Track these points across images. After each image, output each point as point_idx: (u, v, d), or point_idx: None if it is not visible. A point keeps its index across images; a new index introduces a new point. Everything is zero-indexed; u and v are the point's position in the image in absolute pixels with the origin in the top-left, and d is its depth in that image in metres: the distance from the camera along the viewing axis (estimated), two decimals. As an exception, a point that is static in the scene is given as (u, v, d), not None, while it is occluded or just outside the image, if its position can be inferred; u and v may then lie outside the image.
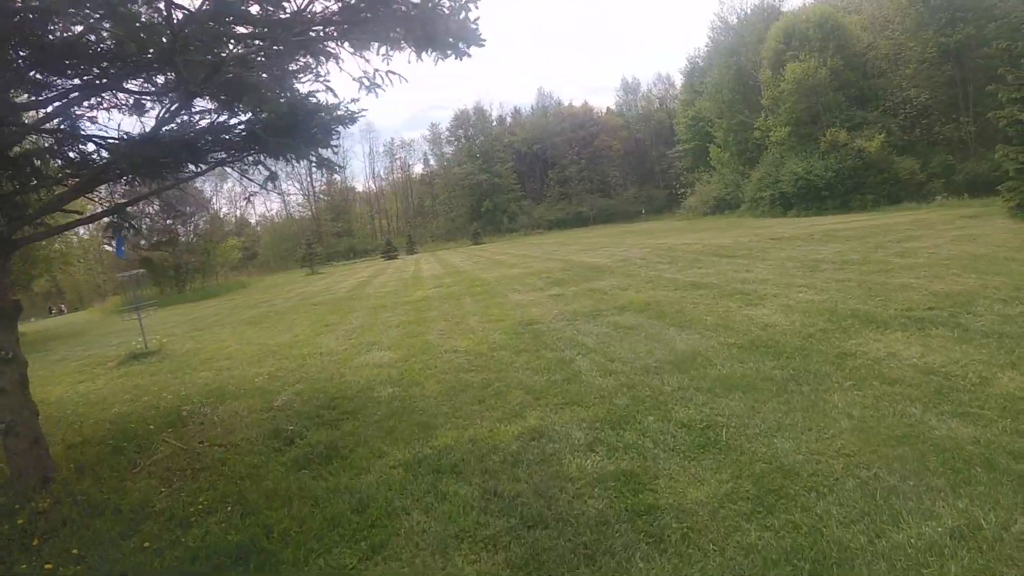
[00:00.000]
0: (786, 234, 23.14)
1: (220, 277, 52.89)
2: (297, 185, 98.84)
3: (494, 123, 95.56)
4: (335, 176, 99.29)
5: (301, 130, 6.87)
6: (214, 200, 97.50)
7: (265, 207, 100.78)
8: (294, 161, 7.60)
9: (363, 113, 7.23)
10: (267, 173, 7.42)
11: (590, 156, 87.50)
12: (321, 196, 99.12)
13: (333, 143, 7.61)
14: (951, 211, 25.94)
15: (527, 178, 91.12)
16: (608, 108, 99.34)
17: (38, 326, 41.64)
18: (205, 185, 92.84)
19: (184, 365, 12.23)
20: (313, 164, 7.87)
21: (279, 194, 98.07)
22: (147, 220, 44.17)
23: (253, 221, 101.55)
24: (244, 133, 6.89)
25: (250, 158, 7.66)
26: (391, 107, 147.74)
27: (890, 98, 40.91)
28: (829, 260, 14.32)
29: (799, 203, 40.04)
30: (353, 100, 7.18)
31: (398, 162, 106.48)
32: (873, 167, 37.43)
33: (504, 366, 8.07)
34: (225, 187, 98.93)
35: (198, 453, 6.56)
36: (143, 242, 43.98)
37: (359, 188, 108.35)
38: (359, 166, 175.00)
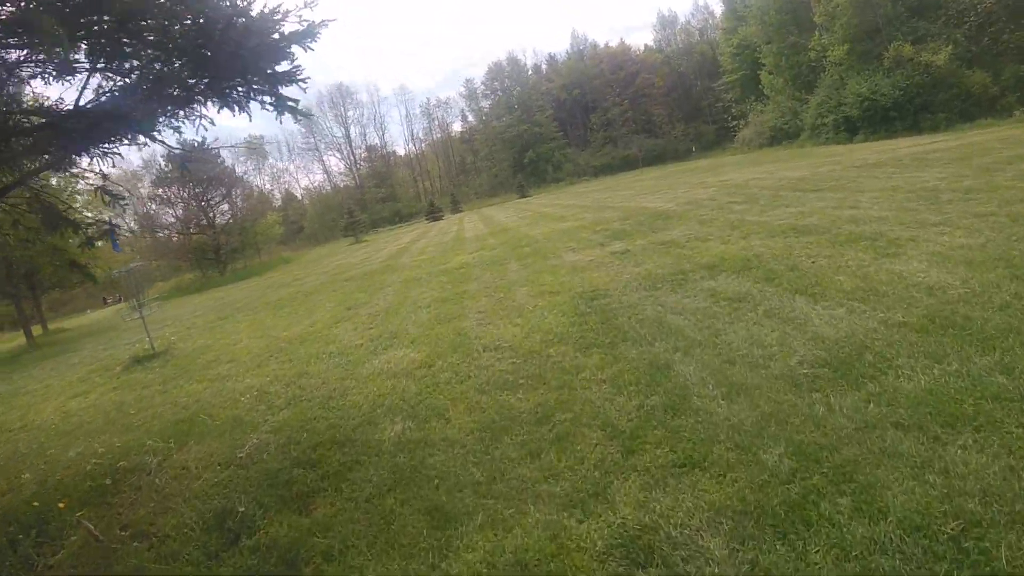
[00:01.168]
0: (869, 160, 20.21)
1: (264, 254, 51.63)
2: (338, 154, 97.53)
3: (529, 72, 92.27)
4: (375, 141, 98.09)
5: (238, 61, 4.61)
6: (255, 177, 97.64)
7: (309, 179, 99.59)
8: (245, 107, 5.40)
9: (325, 24, 4.86)
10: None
11: (632, 96, 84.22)
12: (362, 163, 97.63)
13: (297, 75, 5.25)
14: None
15: (569, 125, 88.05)
16: (646, 45, 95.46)
17: (86, 320, 41.41)
18: (238, 163, 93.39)
19: (181, 372, 10.53)
20: (271, 108, 5.51)
21: (320, 163, 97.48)
22: (180, 205, 42.97)
23: (299, 194, 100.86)
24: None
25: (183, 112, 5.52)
26: (423, 70, 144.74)
27: (953, 5, 36.84)
28: (946, 189, 11.40)
29: (865, 127, 36.88)
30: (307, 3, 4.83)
31: (436, 122, 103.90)
32: (942, 83, 34.09)
33: (567, 376, 5.47)
34: (267, 164, 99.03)
35: (114, 549, 4.33)
36: (176, 231, 42.94)
37: (400, 152, 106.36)
38: (397, 130, 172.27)
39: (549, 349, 6.38)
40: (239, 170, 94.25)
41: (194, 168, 41.63)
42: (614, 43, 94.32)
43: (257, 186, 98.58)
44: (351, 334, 9.98)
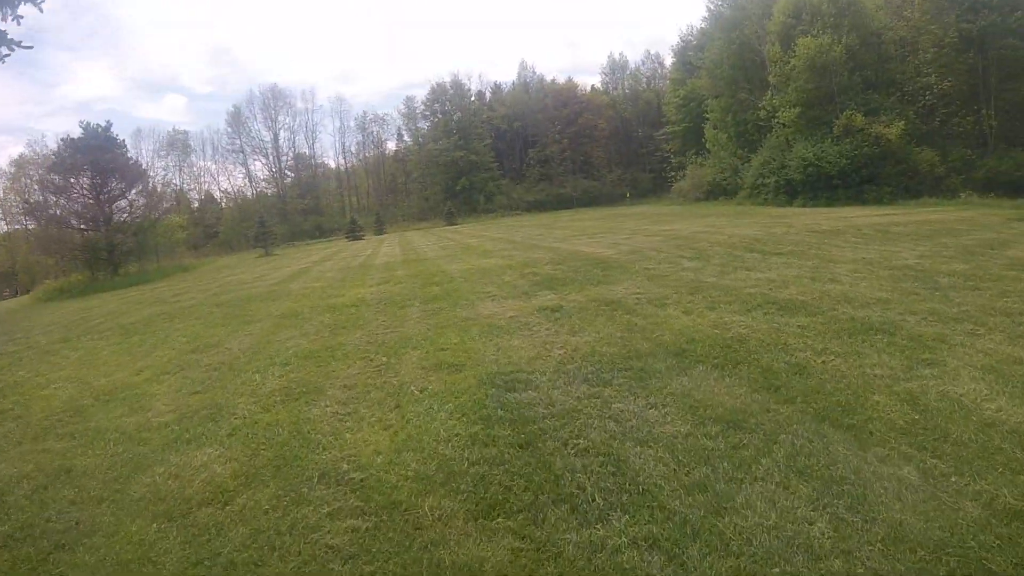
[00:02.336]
0: (823, 226, 18.69)
1: (164, 259, 47.23)
2: (263, 159, 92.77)
3: (473, 98, 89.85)
4: (305, 150, 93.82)
5: None
6: (173, 175, 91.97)
7: (230, 183, 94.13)
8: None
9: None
10: None
11: (573, 135, 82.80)
12: (288, 172, 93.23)
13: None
14: (989, 210, 21.99)
15: (506, 157, 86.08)
16: (593, 86, 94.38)
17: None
18: (144, 154, 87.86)
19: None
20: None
21: (243, 166, 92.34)
22: (74, 196, 38.58)
23: (217, 195, 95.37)
24: None
25: None
26: (365, 85, 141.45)
27: (908, 84, 37.30)
28: (938, 272, 9.64)
29: (806, 192, 35.83)
30: None
31: (371, 137, 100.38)
32: (891, 157, 33.49)
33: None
34: (188, 161, 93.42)
35: None
36: (73, 222, 38.42)
37: (331, 164, 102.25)
38: (329, 141, 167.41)
39: (423, 503, 3.67)
40: (158, 164, 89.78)
41: (96, 155, 37.56)
42: (561, 80, 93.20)
43: (175, 184, 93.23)
44: (167, 399, 7.07)
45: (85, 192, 38.08)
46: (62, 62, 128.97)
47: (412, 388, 5.94)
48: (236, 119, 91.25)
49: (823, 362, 5.57)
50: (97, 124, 38.74)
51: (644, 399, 4.97)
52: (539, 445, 4.26)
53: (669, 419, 4.51)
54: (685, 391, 5.05)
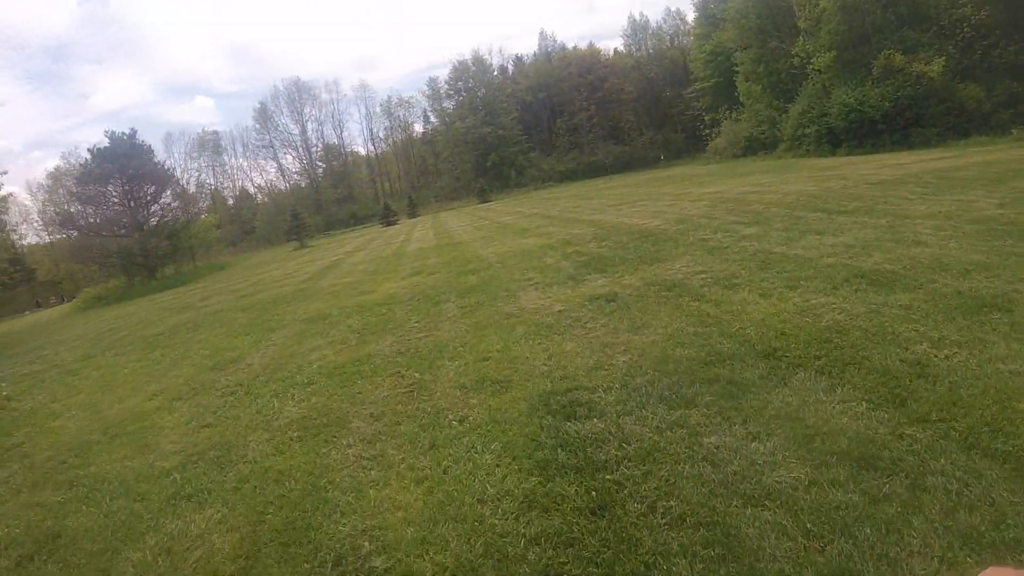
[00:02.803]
0: (881, 176, 17.12)
1: (201, 258, 47.13)
2: (293, 152, 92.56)
3: (495, 72, 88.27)
4: (334, 140, 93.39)
5: None
6: (207, 175, 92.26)
7: (263, 178, 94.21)
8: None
9: None
10: None
11: (600, 101, 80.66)
12: (319, 163, 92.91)
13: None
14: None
15: (534, 129, 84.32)
16: (616, 50, 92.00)
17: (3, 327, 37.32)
18: (176, 156, 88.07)
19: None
20: None
21: (275, 161, 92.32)
22: (105, 205, 38.43)
23: (252, 191, 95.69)
24: None
25: None
26: (387, 71, 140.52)
27: (943, 17, 34.08)
28: None
29: (850, 139, 33.62)
30: None
31: (397, 121, 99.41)
32: (934, 96, 30.98)
33: None
34: (219, 160, 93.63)
35: None
36: (106, 230, 38.32)
37: (360, 151, 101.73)
38: (356, 128, 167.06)
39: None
40: (191, 165, 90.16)
41: (123, 163, 37.32)
42: (583, 46, 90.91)
43: (210, 184, 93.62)
44: (175, 435, 6.28)
45: (115, 200, 37.88)
46: (90, 74, 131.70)
47: (450, 417, 4.93)
48: (263, 115, 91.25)
49: (945, 357, 4.39)
50: (123, 132, 38.62)
51: (742, 426, 3.88)
52: (617, 510, 3.19)
53: (780, 458, 3.41)
54: (791, 411, 3.94)
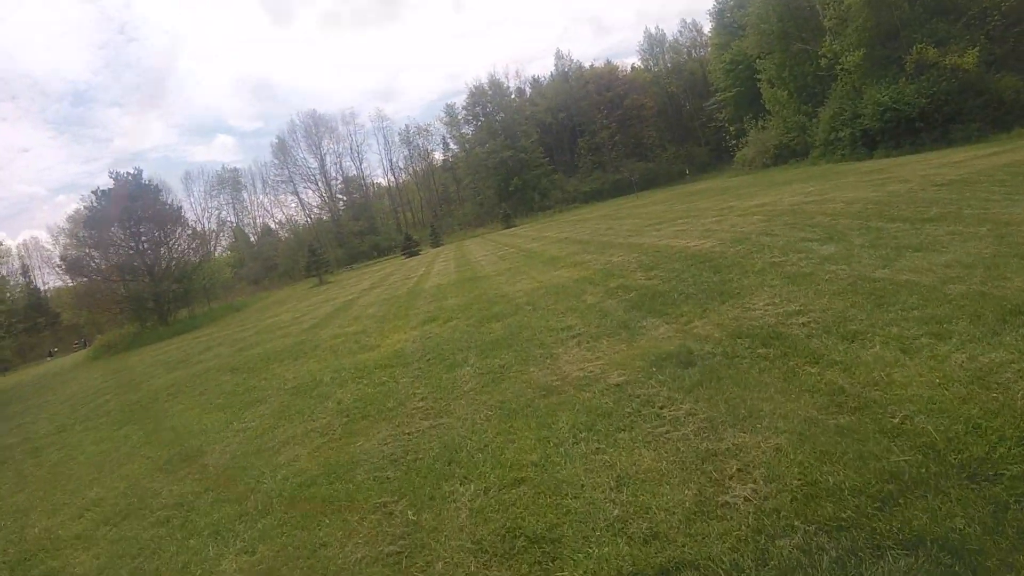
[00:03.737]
0: (945, 176, 15.22)
1: (216, 299, 45.61)
2: (312, 186, 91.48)
3: (512, 95, 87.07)
4: (353, 172, 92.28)
5: None
6: (227, 212, 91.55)
7: (283, 213, 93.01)
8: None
9: None
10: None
11: (621, 118, 79.43)
12: (339, 195, 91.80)
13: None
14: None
15: (555, 150, 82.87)
16: (633, 66, 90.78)
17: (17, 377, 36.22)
18: (196, 195, 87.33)
19: None
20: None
21: (295, 195, 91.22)
22: (111, 248, 36.96)
23: (273, 226, 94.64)
24: None
25: None
26: (404, 101, 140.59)
27: (973, 5, 32.09)
28: None
29: (886, 140, 32.29)
30: None
31: (416, 150, 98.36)
32: (970, 89, 29.65)
33: None
34: (239, 198, 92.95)
35: None
36: (115, 275, 36.83)
37: (381, 182, 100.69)
38: (375, 159, 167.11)
39: None
40: (211, 204, 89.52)
41: (129, 204, 35.89)
42: (600, 64, 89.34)
43: (231, 222, 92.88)
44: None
45: (121, 243, 36.38)
46: (112, 117, 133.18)
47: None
48: (281, 149, 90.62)
49: None
50: (127, 172, 37.23)
51: None
52: None
53: None
54: None
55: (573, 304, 9.71)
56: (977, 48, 29.42)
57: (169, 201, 42.50)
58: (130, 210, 35.77)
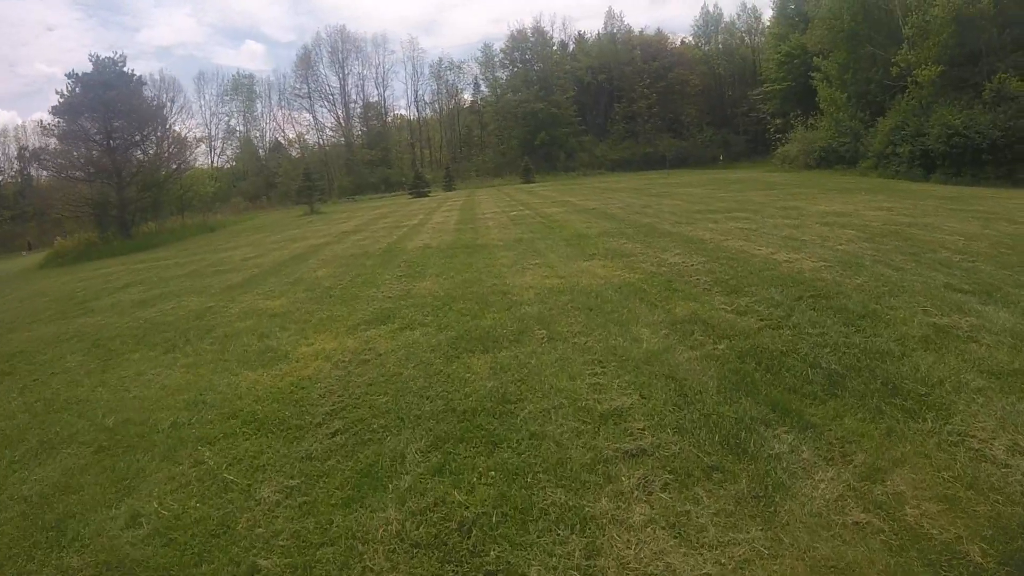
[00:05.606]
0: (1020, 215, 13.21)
1: (190, 217, 41.33)
2: (329, 106, 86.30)
3: (555, 47, 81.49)
4: (375, 99, 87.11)
5: None
6: (235, 120, 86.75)
7: (295, 130, 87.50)
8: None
9: None
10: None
11: (662, 91, 74.61)
12: (357, 121, 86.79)
13: None
14: None
15: (589, 111, 78.02)
16: (683, 40, 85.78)
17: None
18: (207, 98, 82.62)
19: None
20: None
21: (310, 113, 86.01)
22: (79, 142, 32.47)
23: (284, 143, 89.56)
24: None
25: None
26: (442, 38, 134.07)
27: None
28: None
29: (948, 165, 29.86)
30: None
31: (445, 86, 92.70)
32: None
33: None
34: (253, 108, 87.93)
35: None
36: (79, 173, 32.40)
37: (403, 113, 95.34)
38: (401, 89, 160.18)
39: None
40: (223, 109, 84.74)
41: (104, 94, 31.41)
42: (651, 32, 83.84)
43: (240, 131, 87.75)
44: None
45: (90, 137, 31.97)
46: (144, 7, 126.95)
47: None
48: (304, 62, 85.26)
49: None
50: (107, 57, 32.61)
51: None
52: None
53: None
54: None
55: (619, 344, 5.62)
56: (1063, 89, 27.45)
57: (161, 99, 38.07)
58: (105, 101, 31.25)
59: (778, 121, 56.26)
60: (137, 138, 34.57)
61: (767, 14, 72.37)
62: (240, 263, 15.42)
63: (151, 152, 35.76)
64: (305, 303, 9.01)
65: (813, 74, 46.17)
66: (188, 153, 41.48)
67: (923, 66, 32.79)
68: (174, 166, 37.35)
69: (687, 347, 5.41)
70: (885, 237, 10.59)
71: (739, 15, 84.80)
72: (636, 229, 13.77)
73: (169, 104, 48.76)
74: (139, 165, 34.04)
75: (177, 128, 48.71)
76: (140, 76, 35.37)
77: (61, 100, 31.81)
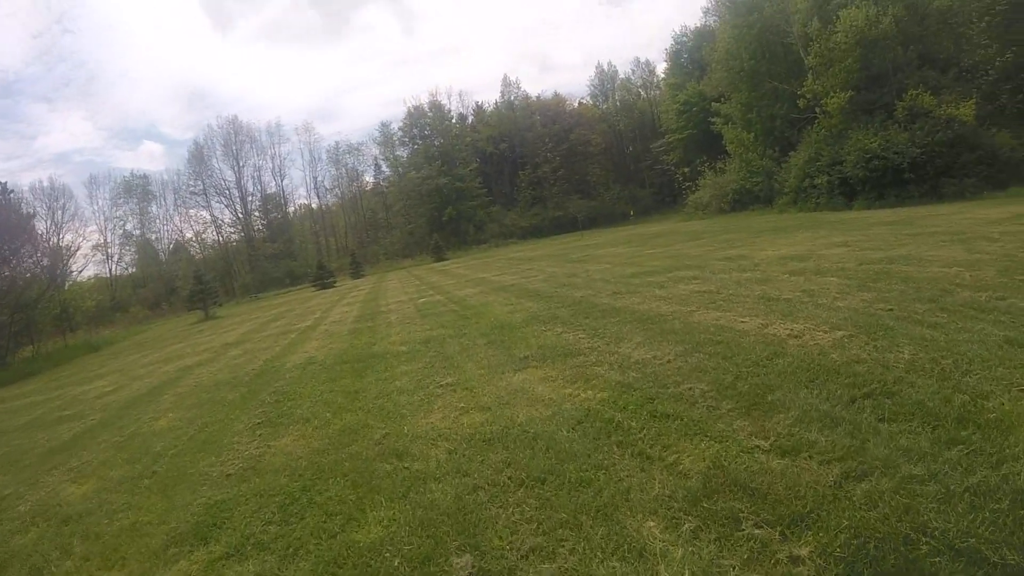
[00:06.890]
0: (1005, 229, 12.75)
1: (73, 335, 37.09)
2: (226, 201, 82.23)
3: (454, 120, 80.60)
4: (273, 189, 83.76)
5: None
6: (129, 223, 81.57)
7: (193, 230, 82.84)
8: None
9: None
10: None
11: (566, 153, 75.01)
12: (256, 214, 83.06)
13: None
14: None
15: (495, 181, 77.36)
16: (581, 101, 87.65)
17: None
18: (100, 202, 77.65)
19: None
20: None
21: (207, 211, 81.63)
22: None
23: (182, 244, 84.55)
24: None
25: None
26: (340, 125, 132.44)
27: (966, 58, 30.97)
28: None
29: (869, 190, 30.01)
30: None
31: (345, 170, 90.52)
32: (964, 142, 27.92)
33: None
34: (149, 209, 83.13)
35: None
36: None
37: (304, 200, 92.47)
38: (299, 177, 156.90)
39: None
40: (116, 213, 79.62)
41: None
42: (548, 96, 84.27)
43: (136, 235, 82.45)
44: None
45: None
46: (38, 114, 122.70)
47: None
48: (197, 158, 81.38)
49: None
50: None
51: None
52: None
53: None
54: None
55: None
56: (973, 100, 28.00)
57: (52, 206, 34.06)
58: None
59: (685, 170, 56.97)
60: (6, 252, 30.49)
61: (661, 67, 74.88)
62: (93, 402, 12.13)
63: (26, 268, 31.70)
64: (115, 491, 5.94)
65: (713, 119, 46.55)
66: (62, 265, 37.28)
67: (831, 94, 32.90)
68: (47, 280, 33.21)
69: (738, 560, 2.81)
70: (877, 281, 8.71)
71: (633, 70, 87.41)
72: (570, 308, 11.28)
73: (60, 212, 44.92)
74: (10, 283, 29.88)
75: (69, 236, 45.00)
76: (6, 183, 31.64)
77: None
